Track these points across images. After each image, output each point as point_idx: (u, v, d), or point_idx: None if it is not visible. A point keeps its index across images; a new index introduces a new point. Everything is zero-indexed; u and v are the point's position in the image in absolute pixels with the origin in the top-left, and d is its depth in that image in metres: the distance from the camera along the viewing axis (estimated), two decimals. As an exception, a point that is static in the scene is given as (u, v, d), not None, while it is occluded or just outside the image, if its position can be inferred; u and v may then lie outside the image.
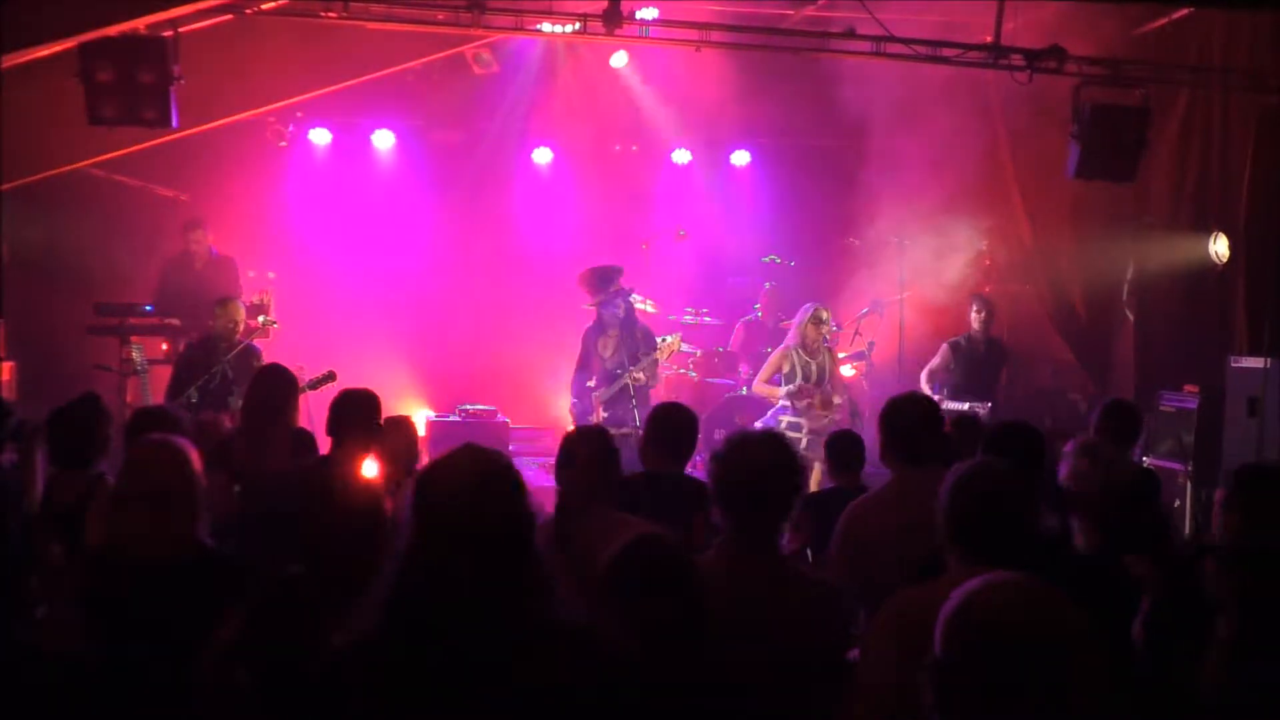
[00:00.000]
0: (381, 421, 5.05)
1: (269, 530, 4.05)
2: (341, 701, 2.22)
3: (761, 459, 3.07)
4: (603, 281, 8.14)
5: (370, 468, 4.96)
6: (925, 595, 2.80)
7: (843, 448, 5.54)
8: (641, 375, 8.18)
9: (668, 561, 2.67)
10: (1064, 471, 4.48)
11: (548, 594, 2.26)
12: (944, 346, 9.16)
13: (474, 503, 2.22)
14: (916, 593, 2.92)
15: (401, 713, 2.18)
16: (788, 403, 8.52)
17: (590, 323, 8.43)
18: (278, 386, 5.26)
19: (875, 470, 5.64)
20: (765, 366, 8.74)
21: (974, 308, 9.17)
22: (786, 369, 8.54)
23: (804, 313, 8.60)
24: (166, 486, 3.45)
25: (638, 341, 8.24)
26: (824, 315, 8.56)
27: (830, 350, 8.61)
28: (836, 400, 8.63)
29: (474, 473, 2.26)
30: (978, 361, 9.02)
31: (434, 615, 2.19)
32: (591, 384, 8.39)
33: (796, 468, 3.11)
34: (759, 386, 8.82)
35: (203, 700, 2.95)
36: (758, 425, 8.56)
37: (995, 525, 2.96)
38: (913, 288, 9.83)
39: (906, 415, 4.25)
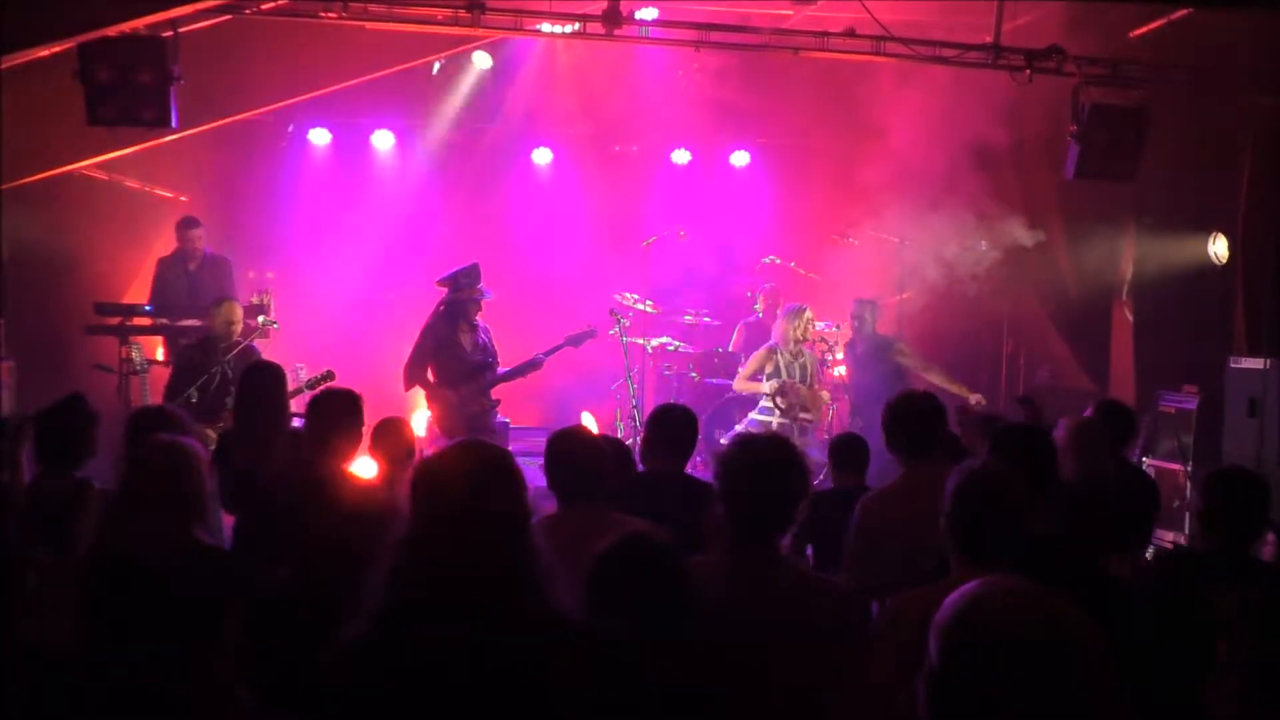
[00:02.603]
0: (381, 422, 5.03)
1: (265, 532, 4.05)
2: (343, 698, 2.22)
3: (768, 460, 3.08)
4: (470, 280, 8.15)
5: (367, 467, 4.93)
6: (926, 596, 2.80)
7: (845, 448, 5.54)
8: (542, 358, 8.34)
9: (654, 559, 2.67)
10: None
11: (546, 588, 2.26)
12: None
13: (469, 492, 2.22)
14: (918, 593, 2.92)
15: (399, 706, 2.18)
16: (770, 404, 8.50)
17: (436, 319, 8.19)
18: (265, 384, 5.17)
19: (880, 471, 5.64)
20: (748, 364, 8.73)
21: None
22: (769, 369, 8.53)
23: (788, 312, 8.60)
24: (174, 487, 3.45)
25: (485, 336, 8.24)
26: (807, 314, 8.57)
27: (814, 353, 8.60)
28: (825, 395, 8.61)
29: (471, 463, 2.27)
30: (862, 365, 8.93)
31: (431, 605, 2.19)
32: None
33: (803, 469, 3.12)
34: (741, 383, 8.79)
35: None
36: (737, 429, 8.53)
37: (995, 527, 2.97)
38: (911, 288, 9.83)
39: (904, 411, 4.49)
